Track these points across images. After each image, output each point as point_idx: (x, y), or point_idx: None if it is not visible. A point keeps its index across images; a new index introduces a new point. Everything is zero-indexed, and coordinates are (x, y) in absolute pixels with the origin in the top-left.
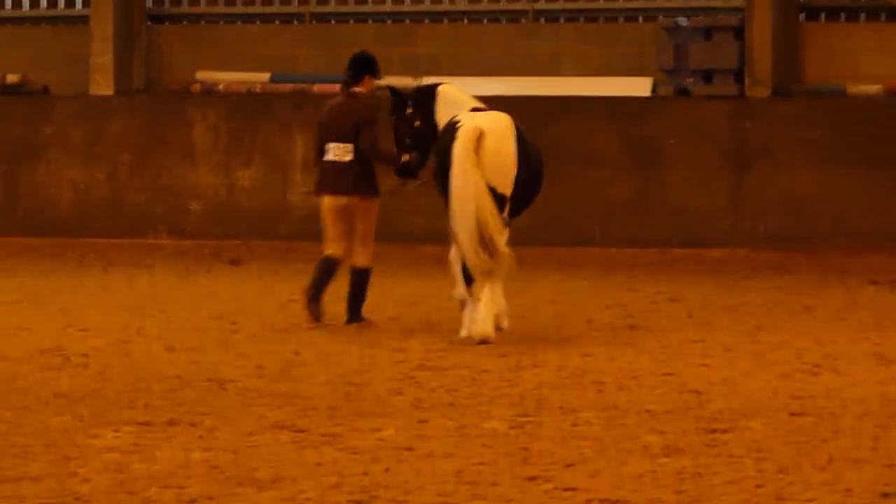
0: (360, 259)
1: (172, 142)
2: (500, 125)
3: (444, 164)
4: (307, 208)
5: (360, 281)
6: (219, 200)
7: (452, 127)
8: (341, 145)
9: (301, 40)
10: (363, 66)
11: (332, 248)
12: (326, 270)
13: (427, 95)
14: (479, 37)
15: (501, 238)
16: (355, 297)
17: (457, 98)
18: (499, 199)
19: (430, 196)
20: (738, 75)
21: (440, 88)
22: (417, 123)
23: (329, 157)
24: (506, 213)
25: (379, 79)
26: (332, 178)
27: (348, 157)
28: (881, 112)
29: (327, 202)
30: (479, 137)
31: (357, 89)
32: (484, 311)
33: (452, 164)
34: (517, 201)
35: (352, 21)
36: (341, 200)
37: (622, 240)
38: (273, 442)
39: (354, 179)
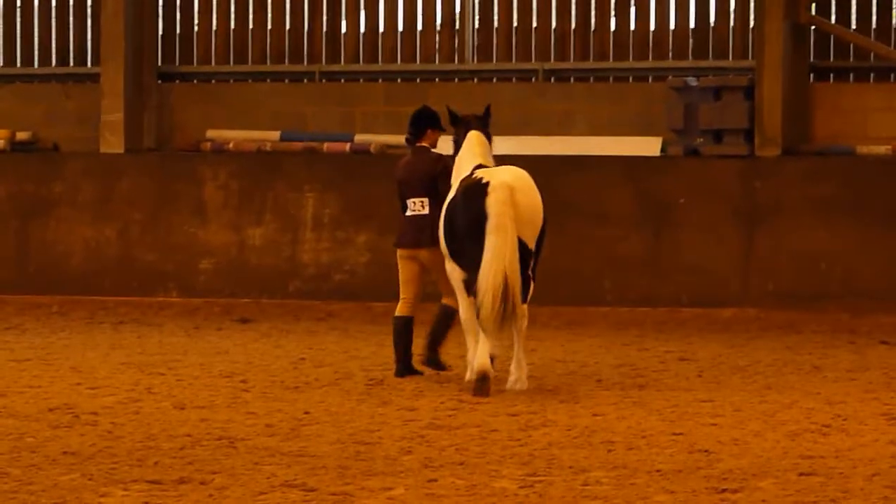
0: (452, 300)
1: (183, 200)
2: (525, 180)
3: (470, 218)
4: (317, 266)
5: (445, 318)
6: (229, 258)
7: (475, 183)
8: (417, 200)
9: (311, 98)
10: (424, 120)
11: (404, 308)
12: (405, 331)
13: (461, 131)
14: (489, 95)
15: (520, 295)
16: (435, 333)
17: (473, 150)
18: (528, 253)
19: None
20: (748, 135)
21: (470, 133)
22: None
23: (408, 212)
24: (531, 268)
25: (442, 130)
26: (412, 232)
27: (425, 211)
28: (891, 171)
29: (407, 255)
30: (511, 192)
31: (422, 144)
32: (481, 349)
33: (490, 218)
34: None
35: (362, 80)
36: (420, 253)
37: (632, 298)
38: (283, 501)
39: (432, 231)
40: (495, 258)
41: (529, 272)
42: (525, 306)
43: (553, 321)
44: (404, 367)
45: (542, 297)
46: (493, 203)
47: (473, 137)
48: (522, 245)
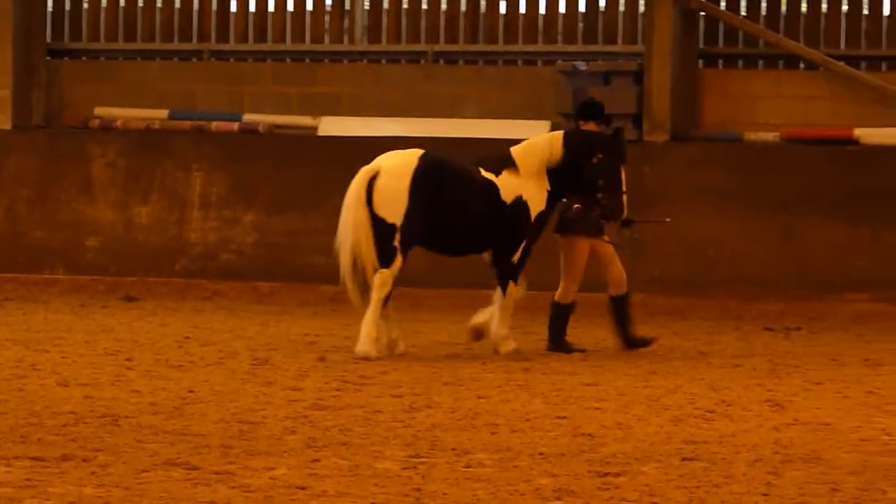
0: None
1: (70, 177)
2: (398, 166)
3: None
4: (204, 246)
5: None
6: (116, 236)
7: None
8: None
9: (200, 77)
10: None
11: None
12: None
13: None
14: (378, 77)
15: (372, 267)
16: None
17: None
18: (387, 227)
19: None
20: (637, 120)
21: None
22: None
23: None
24: (396, 242)
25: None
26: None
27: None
28: (778, 158)
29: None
30: (368, 175)
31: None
32: (364, 331)
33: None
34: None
35: (251, 59)
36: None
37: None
38: (166, 479)
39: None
40: (340, 233)
41: (513, 258)
42: (378, 275)
43: (439, 303)
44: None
45: (431, 279)
46: (351, 185)
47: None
48: (381, 220)
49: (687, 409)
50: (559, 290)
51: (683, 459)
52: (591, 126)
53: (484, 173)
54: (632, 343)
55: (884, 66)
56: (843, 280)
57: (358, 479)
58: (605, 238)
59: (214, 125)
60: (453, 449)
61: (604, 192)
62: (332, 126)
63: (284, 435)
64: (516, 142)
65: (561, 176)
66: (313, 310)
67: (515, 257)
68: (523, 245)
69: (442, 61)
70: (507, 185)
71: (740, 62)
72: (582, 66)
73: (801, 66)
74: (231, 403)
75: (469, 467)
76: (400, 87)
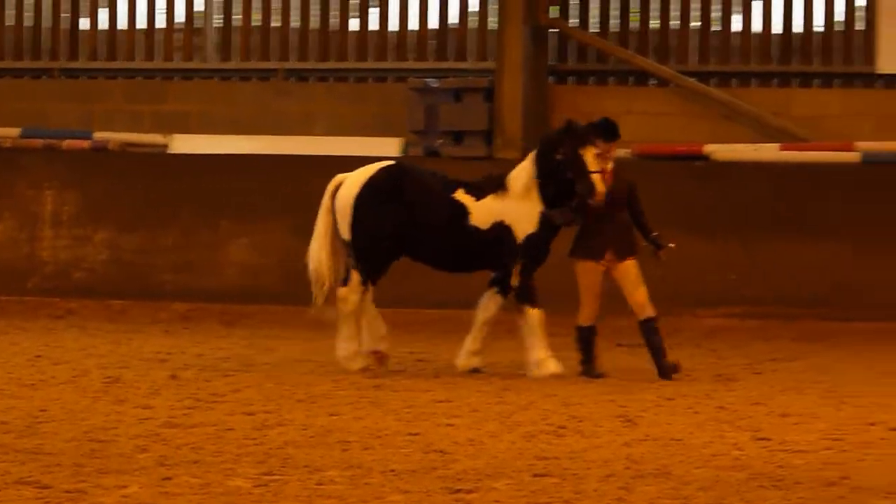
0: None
1: None
2: (356, 176)
3: None
4: (56, 264)
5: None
6: None
7: None
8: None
9: (51, 95)
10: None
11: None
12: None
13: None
14: (229, 94)
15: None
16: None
17: None
18: (345, 241)
19: (181, 252)
20: (488, 136)
21: None
22: None
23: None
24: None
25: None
26: None
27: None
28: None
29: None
30: (336, 185)
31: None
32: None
33: None
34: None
35: (101, 77)
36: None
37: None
38: (17, 498)
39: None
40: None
41: (512, 281)
42: (343, 290)
43: (293, 321)
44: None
45: (282, 296)
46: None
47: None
48: (338, 234)
49: (539, 426)
50: (579, 313)
51: (535, 475)
52: (615, 145)
53: (461, 195)
54: (661, 370)
55: (734, 82)
56: (695, 295)
57: (209, 497)
58: (605, 260)
59: (66, 143)
60: (305, 466)
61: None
62: (184, 144)
63: (136, 453)
64: (367, 159)
65: (551, 190)
66: (165, 327)
67: (514, 280)
68: (520, 267)
69: (293, 79)
70: (485, 210)
71: (591, 79)
72: (433, 83)
73: (652, 82)
74: (83, 422)
75: (321, 484)
76: (251, 105)
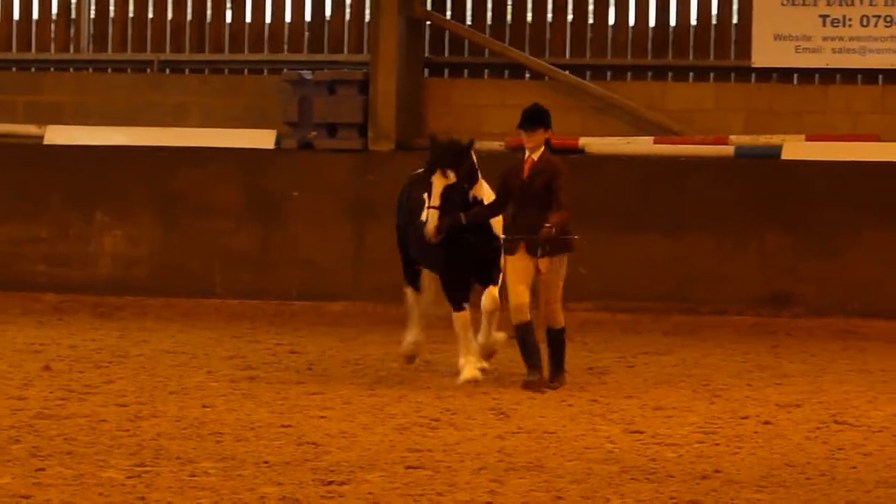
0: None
1: None
2: None
3: None
4: None
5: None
6: None
7: None
8: None
9: None
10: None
11: None
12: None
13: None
14: (104, 86)
15: None
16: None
17: None
18: None
19: (54, 244)
20: (362, 129)
21: None
22: None
23: None
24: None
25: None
26: None
27: None
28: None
29: None
30: None
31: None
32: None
33: None
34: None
35: None
36: None
37: (243, 291)
38: None
39: None
40: None
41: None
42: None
43: (165, 312)
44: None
45: (155, 288)
46: None
47: None
48: None
49: (412, 418)
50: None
51: (408, 468)
52: (538, 135)
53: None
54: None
55: (608, 74)
56: (566, 288)
57: (83, 488)
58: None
59: None
60: (178, 458)
61: None
62: (58, 135)
63: (9, 444)
64: (241, 151)
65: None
66: (38, 319)
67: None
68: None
69: (168, 70)
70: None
71: (466, 72)
72: (307, 75)
73: (527, 75)
74: None
75: (194, 476)
76: (126, 96)
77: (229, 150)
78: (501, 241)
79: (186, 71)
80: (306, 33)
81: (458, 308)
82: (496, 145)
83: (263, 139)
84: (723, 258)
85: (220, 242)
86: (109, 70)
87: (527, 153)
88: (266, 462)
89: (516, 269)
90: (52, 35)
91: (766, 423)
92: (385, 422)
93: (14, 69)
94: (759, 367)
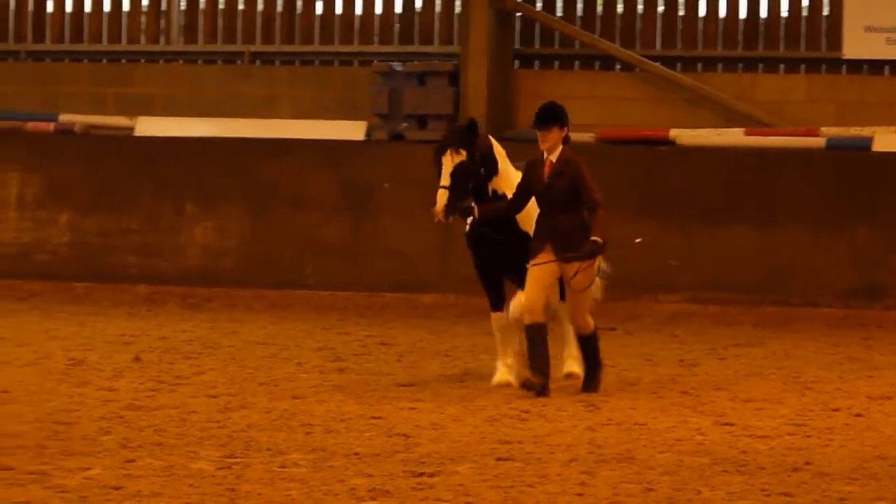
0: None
1: None
2: None
3: None
4: (18, 246)
5: None
6: None
7: None
8: None
9: (16, 78)
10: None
11: None
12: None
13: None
14: (193, 77)
15: None
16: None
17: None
18: None
19: (144, 235)
20: (452, 120)
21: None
22: None
23: None
24: None
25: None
26: None
27: None
28: (593, 158)
29: None
30: None
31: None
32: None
33: None
34: None
35: (67, 60)
36: None
37: (333, 283)
38: None
39: None
40: None
41: None
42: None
43: (255, 304)
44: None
45: (244, 279)
46: None
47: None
48: None
49: (502, 409)
50: None
51: (498, 459)
52: (554, 133)
53: None
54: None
55: (699, 66)
56: (656, 281)
57: (172, 480)
58: None
59: (30, 125)
60: (268, 449)
61: None
62: (148, 126)
63: (99, 435)
64: (332, 143)
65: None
66: (128, 310)
67: None
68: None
69: (258, 61)
70: None
71: (556, 63)
72: (398, 66)
73: (617, 66)
74: (46, 403)
75: (284, 467)
76: (215, 88)
77: (319, 141)
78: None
79: (276, 62)
80: (396, 25)
81: (493, 308)
82: (587, 137)
83: (354, 131)
84: (813, 250)
85: (311, 234)
86: (199, 61)
87: (545, 154)
88: (356, 453)
89: (537, 270)
90: (143, 27)
91: (858, 415)
92: (475, 413)
93: (104, 61)
94: (849, 360)
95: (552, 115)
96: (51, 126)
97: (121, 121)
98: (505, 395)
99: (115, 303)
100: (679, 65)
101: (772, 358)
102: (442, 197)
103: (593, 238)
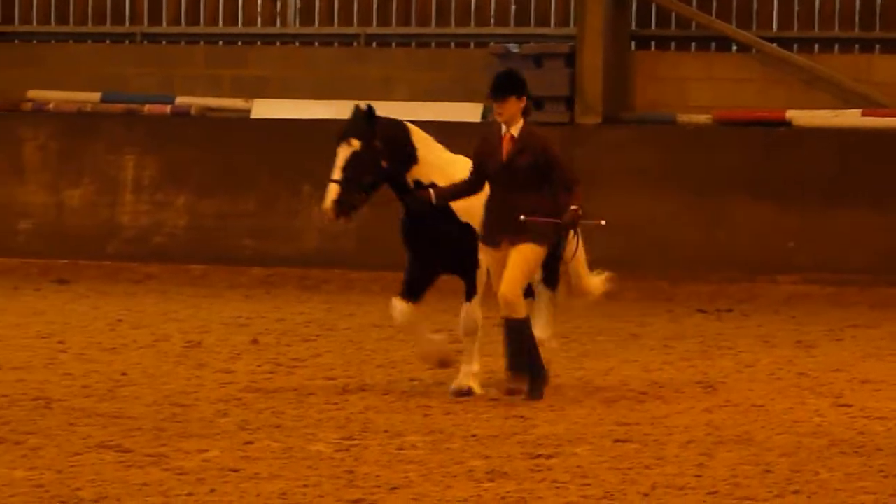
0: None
1: (1, 160)
2: None
3: None
4: (136, 229)
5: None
6: (47, 219)
7: None
8: None
9: (132, 60)
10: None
11: None
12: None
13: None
14: (310, 59)
15: None
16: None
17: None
18: None
19: (260, 218)
20: (569, 102)
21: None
22: None
23: None
24: None
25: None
26: None
27: None
28: (708, 140)
29: None
30: None
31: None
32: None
33: None
34: None
35: (183, 42)
36: None
37: None
38: (98, 462)
39: None
40: None
41: None
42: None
43: (372, 286)
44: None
45: (361, 261)
46: None
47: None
48: None
49: (620, 391)
50: None
51: (616, 441)
52: (511, 104)
53: None
54: (530, 387)
55: (816, 47)
56: (773, 261)
57: (291, 462)
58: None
59: (147, 108)
60: (386, 431)
61: None
62: (265, 109)
63: (217, 417)
64: (447, 125)
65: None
66: (245, 292)
67: None
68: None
69: (374, 44)
70: None
71: (672, 44)
72: (514, 48)
73: (734, 48)
74: (163, 386)
75: (401, 449)
76: (330, 70)
77: (435, 123)
78: (476, 231)
79: (392, 45)
80: (513, 6)
81: (401, 294)
82: (703, 118)
83: (470, 112)
84: None
85: None
86: (315, 44)
87: (503, 128)
88: (474, 435)
89: (500, 262)
90: (259, 9)
91: None
92: (592, 395)
93: (221, 43)
94: None
95: (508, 85)
96: (167, 109)
97: (237, 103)
98: (622, 377)
99: (231, 285)
100: (795, 46)
101: (889, 339)
102: (331, 192)
103: (573, 207)
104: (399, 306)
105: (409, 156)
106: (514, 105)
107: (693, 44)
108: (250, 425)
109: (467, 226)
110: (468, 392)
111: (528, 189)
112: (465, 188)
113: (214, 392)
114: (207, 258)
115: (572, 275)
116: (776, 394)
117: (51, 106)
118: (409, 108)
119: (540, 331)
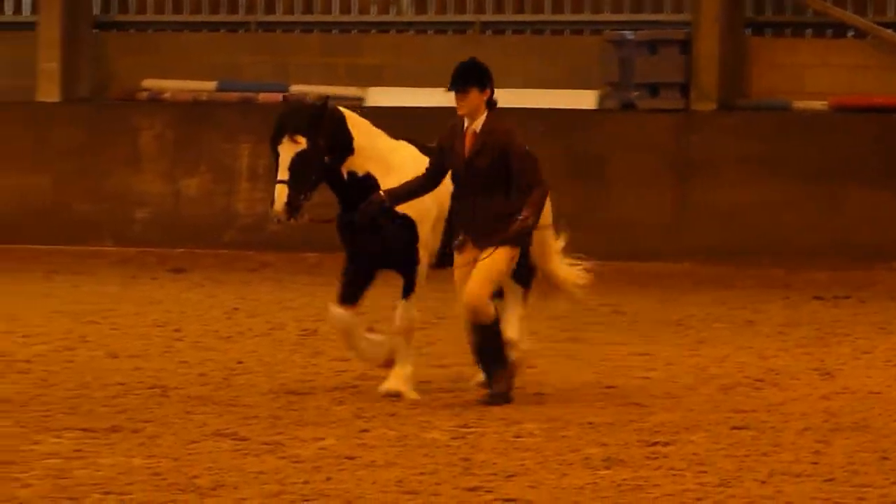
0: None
1: (118, 149)
2: None
3: None
4: (251, 217)
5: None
6: (164, 208)
7: None
8: None
9: (247, 49)
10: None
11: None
12: None
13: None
14: (424, 47)
15: None
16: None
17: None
18: None
19: None
20: (684, 89)
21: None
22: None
23: None
24: None
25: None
26: None
27: None
28: (824, 126)
29: None
30: None
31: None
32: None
33: None
34: None
35: (298, 30)
36: None
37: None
38: (214, 449)
39: None
40: None
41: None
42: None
43: None
44: None
45: None
46: None
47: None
48: None
49: (735, 378)
50: None
51: (732, 428)
52: (473, 97)
53: None
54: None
55: None
56: (891, 248)
57: (407, 450)
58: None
59: (261, 96)
60: (502, 419)
61: None
62: (379, 97)
63: (333, 405)
64: (562, 111)
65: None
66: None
67: None
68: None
69: (489, 31)
70: None
71: (788, 31)
72: (629, 35)
73: (850, 34)
74: (279, 374)
75: (518, 437)
76: (444, 58)
77: (550, 110)
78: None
79: (507, 32)
80: None
81: (339, 301)
82: (819, 105)
83: (585, 100)
84: None
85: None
86: (429, 31)
87: (465, 122)
88: (590, 423)
89: (466, 267)
90: None
91: None
92: (708, 382)
93: (335, 31)
94: None
95: (468, 75)
96: (282, 97)
97: (352, 91)
98: (738, 363)
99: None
100: None
101: None
102: (281, 193)
103: (522, 216)
104: (336, 312)
105: (346, 146)
106: (477, 97)
107: (809, 30)
108: (366, 413)
109: (406, 217)
110: (397, 395)
111: (493, 189)
112: (421, 186)
113: (330, 380)
114: (322, 246)
115: (547, 276)
116: (893, 381)
117: (166, 95)
118: (524, 95)
119: (511, 331)
